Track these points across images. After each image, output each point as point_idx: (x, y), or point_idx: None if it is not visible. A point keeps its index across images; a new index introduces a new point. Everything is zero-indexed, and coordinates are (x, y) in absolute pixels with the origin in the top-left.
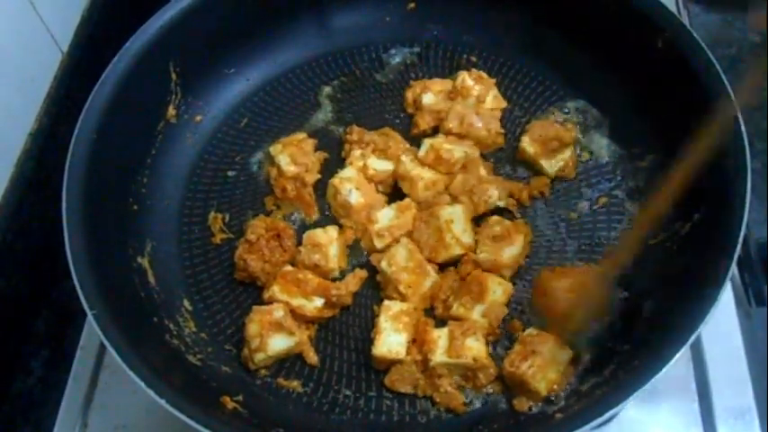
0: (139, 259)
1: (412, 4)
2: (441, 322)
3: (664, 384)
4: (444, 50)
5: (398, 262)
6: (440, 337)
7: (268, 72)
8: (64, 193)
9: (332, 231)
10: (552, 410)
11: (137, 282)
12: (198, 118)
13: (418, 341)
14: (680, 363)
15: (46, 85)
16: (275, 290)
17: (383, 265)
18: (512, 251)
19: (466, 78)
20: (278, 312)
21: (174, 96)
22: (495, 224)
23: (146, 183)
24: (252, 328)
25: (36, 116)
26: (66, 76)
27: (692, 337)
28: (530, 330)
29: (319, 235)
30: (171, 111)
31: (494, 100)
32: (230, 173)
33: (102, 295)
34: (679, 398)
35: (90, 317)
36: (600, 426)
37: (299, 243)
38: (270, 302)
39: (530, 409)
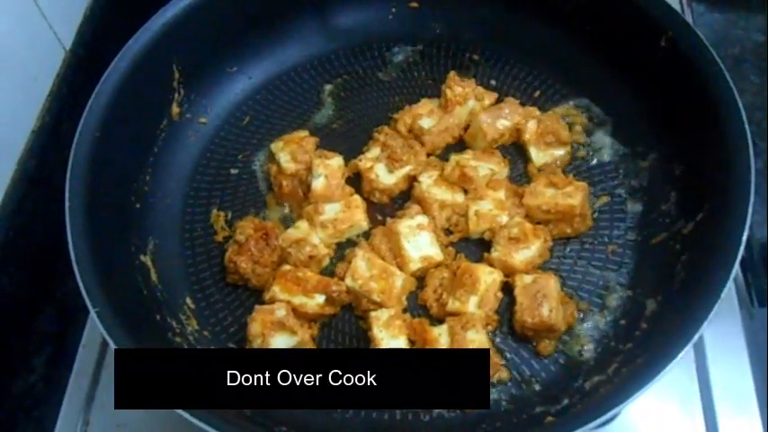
0: (142, 257)
1: (415, 3)
2: (437, 321)
3: (666, 383)
4: (447, 49)
5: (362, 274)
6: (440, 334)
7: (271, 70)
8: (67, 191)
9: (302, 225)
10: (555, 409)
11: (139, 280)
12: (202, 120)
13: (419, 341)
14: (682, 362)
15: (48, 83)
16: (276, 290)
17: (348, 281)
18: (526, 255)
19: (453, 87)
20: (280, 311)
21: (176, 95)
22: (515, 225)
23: (148, 181)
24: (254, 327)
25: (38, 114)
26: (69, 74)
27: (695, 337)
28: (526, 278)
29: (294, 233)
30: (174, 109)
31: (488, 96)
32: (233, 171)
33: (104, 293)
34: (681, 396)
35: (93, 315)
36: (603, 424)
37: None
38: (271, 302)
39: (555, 349)
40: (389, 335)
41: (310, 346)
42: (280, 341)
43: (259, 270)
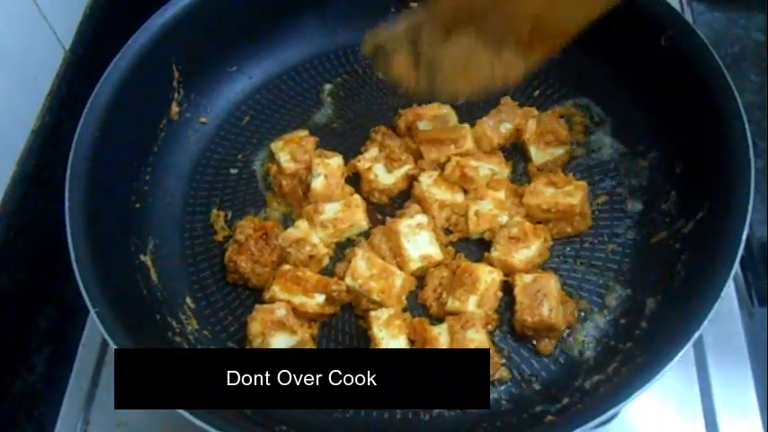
0: (142, 257)
1: (414, 3)
2: (436, 320)
3: (666, 382)
4: None
5: (362, 273)
6: (440, 333)
7: (270, 70)
8: (66, 191)
9: (302, 224)
10: (555, 408)
11: (139, 279)
12: (202, 119)
13: (419, 341)
14: (682, 361)
15: (48, 83)
16: (276, 289)
17: (348, 281)
18: (525, 254)
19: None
20: (280, 311)
21: (176, 94)
22: (515, 225)
23: (148, 180)
24: (254, 326)
25: (38, 113)
26: (69, 74)
27: (695, 336)
28: (526, 278)
29: (294, 232)
30: (174, 108)
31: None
32: (232, 170)
33: (104, 293)
34: (681, 395)
35: (93, 314)
36: (603, 423)
37: None
38: (271, 302)
39: (555, 348)
40: (389, 334)
41: (310, 345)
42: (280, 340)
43: (259, 269)
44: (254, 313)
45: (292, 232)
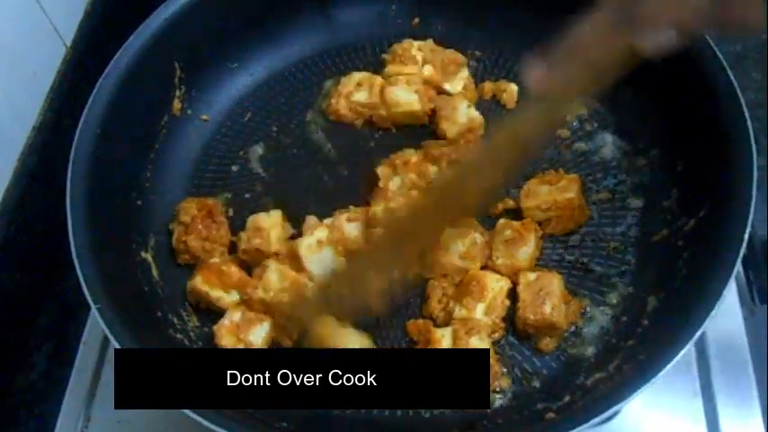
0: (143, 254)
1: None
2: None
3: (667, 381)
4: (447, 46)
5: (273, 287)
6: (443, 336)
7: (272, 67)
8: (68, 188)
9: (275, 215)
10: (556, 405)
11: (140, 276)
12: (204, 116)
13: (422, 341)
14: (684, 359)
15: (49, 79)
16: (198, 280)
17: (260, 293)
18: (526, 251)
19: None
20: (235, 315)
21: (177, 91)
22: (505, 228)
23: (149, 177)
24: (227, 340)
25: (39, 110)
26: (70, 70)
27: (697, 334)
28: (530, 275)
29: (263, 219)
30: (176, 105)
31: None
32: (233, 167)
33: (105, 289)
34: (682, 394)
35: (94, 311)
36: (603, 422)
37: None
38: (193, 292)
39: (557, 347)
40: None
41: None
42: (256, 335)
43: (208, 246)
44: (219, 331)
45: (261, 218)
